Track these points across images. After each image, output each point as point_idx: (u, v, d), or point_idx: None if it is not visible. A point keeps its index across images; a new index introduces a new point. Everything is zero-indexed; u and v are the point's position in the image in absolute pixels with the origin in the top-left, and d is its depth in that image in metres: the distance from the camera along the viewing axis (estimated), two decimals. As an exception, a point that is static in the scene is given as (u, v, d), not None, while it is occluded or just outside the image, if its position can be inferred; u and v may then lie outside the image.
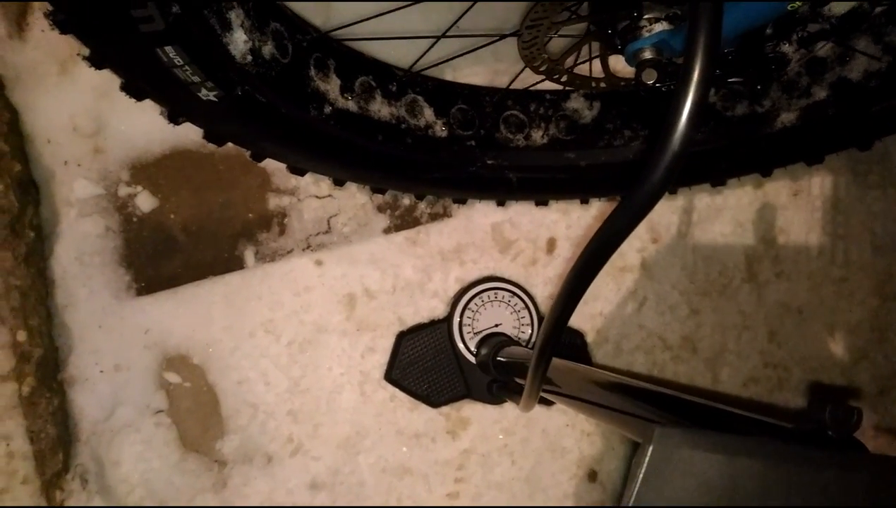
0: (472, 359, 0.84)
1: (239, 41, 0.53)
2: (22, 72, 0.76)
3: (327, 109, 0.64)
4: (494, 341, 0.82)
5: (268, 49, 0.58)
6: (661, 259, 0.91)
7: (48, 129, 0.79)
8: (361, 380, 0.85)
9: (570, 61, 0.62)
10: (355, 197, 0.86)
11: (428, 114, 0.74)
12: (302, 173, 0.74)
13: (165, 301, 0.83)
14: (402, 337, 0.85)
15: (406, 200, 0.87)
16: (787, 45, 0.53)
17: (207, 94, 0.56)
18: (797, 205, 0.94)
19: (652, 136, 0.77)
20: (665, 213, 0.91)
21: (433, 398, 0.85)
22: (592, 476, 0.90)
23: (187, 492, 0.84)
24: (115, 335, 0.82)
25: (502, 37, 0.71)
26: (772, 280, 0.93)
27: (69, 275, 0.80)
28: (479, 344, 0.84)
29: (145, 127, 0.82)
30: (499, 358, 0.78)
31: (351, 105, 0.67)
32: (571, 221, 0.90)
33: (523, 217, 0.89)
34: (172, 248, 0.84)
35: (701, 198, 0.92)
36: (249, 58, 0.55)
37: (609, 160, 0.78)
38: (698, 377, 0.91)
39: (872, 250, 0.95)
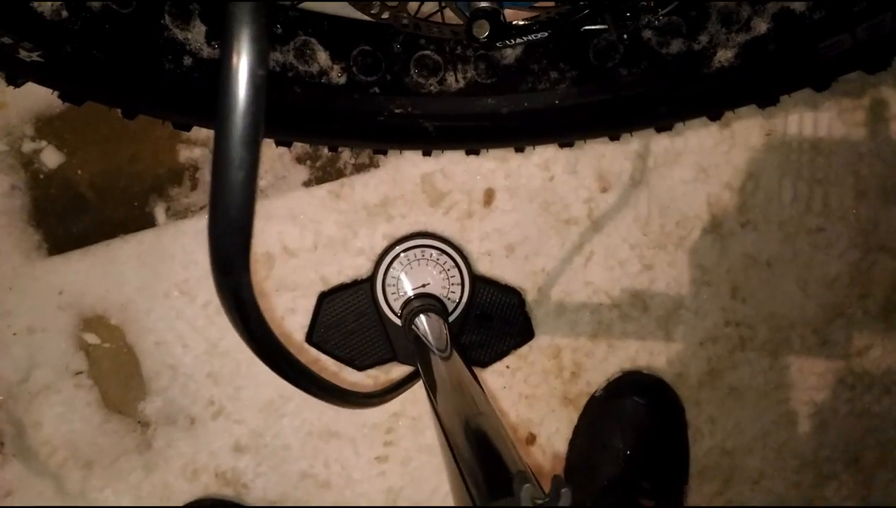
0: (398, 321, 0.79)
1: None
2: None
3: (187, 60, 0.58)
4: (412, 307, 0.76)
5: (97, 3, 0.51)
6: (610, 210, 0.83)
7: (-64, 84, 0.75)
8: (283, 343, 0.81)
9: (413, 7, 0.53)
10: (271, 147, 0.80)
11: (322, 58, 0.66)
12: (186, 128, 0.68)
13: (78, 260, 0.80)
14: (324, 298, 0.80)
15: (327, 151, 0.81)
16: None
17: (29, 56, 0.50)
18: (770, 145, 0.84)
19: (579, 77, 0.68)
20: (616, 159, 0.82)
21: (357, 361, 0.81)
22: (531, 439, 0.85)
23: (111, 453, 0.83)
24: (28, 296, 0.80)
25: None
26: (737, 231, 0.84)
27: (-28, 237, 0.78)
28: (405, 306, 0.79)
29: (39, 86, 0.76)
30: (413, 327, 0.73)
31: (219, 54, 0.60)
32: (511, 169, 0.82)
33: (457, 166, 0.82)
34: (82, 206, 0.80)
35: (658, 141, 0.83)
36: (65, 13, 0.49)
37: (532, 105, 0.70)
38: (649, 336, 0.85)
39: (856, 196, 0.85)
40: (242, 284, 0.26)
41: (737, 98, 0.66)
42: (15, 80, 0.55)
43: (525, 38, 0.42)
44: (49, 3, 0.47)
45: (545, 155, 0.82)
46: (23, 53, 0.50)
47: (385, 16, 0.53)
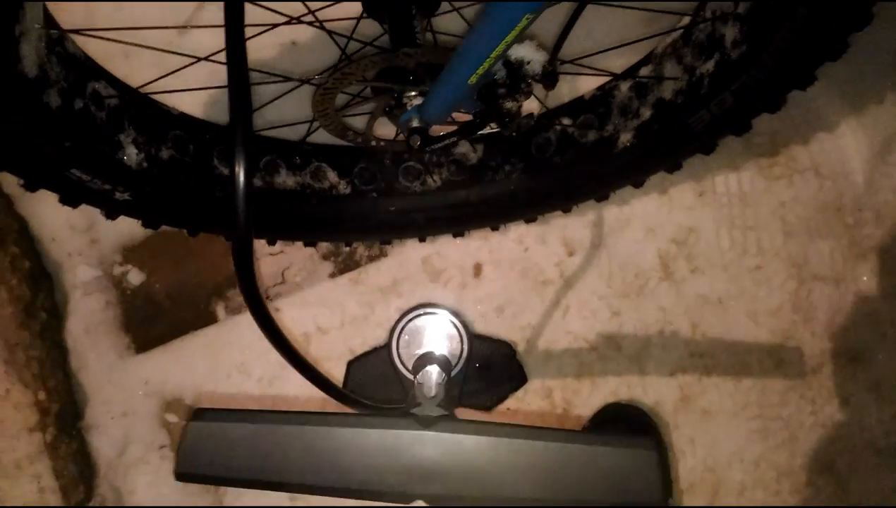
0: (412, 377, 0.97)
1: (132, 155, 0.70)
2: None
3: (227, 190, 0.81)
4: (421, 363, 0.94)
5: (165, 153, 0.75)
6: (578, 269, 1.01)
7: (51, 230, 1.00)
8: (323, 405, 1.00)
9: (349, 119, 0.73)
10: (303, 250, 1.02)
11: (331, 176, 0.89)
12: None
13: (158, 356, 1.02)
14: (351, 365, 0.99)
15: (345, 246, 1.02)
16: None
17: (122, 196, 0.73)
18: (704, 203, 1.02)
19: (526, 167, 0.88)
20: (577, 228, 1.01)
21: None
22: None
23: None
24: (121, 387, 1.01)
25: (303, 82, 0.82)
26: (688, 276, 1.01)
27: (79, 344, 1.00)
28: (416, 364, 0.97)
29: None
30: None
31: (256, 182, 0.83)
32: (492, 246, 1.02)
33: (449, 247, 1.02)
34: (159, 312, 1.02)
35: (609, 211, 1.01)
36: (146, 164, 0.72)
37: (495, 193, 0.90)
38: (625, 371, 1.00)
39: (784, 236, 1.01)
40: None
41: (644, 168, 0.85)
42: (112, 215, 0.78)
43: (443, 143, 0.62)
44: (134, 157, 0.71)
45: (519, 231, 1.01)
46: (117, 195, 0.73)
47: (358, 140, 0.75)
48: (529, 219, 0.96)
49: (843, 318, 1.00)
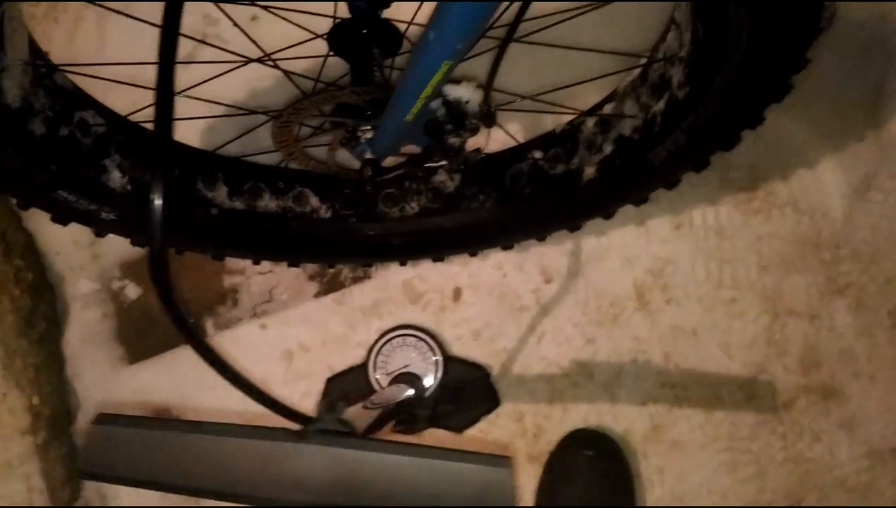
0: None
1: (116, 178, 0.75)
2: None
3: (214, 211, 0.86)
4: (395, 381, 0.98)
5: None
6: (555, 297, 1.04)
7: (56, 245, 1.06)
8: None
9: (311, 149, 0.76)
10: (290, 270, 1.06)
11: (314, 201, 0.93)
12: (220, 259, 0.95)
13: (150, 367, 1.07)
14: (329, 382, 1.03)
15: (331, 268, 1.06)
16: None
17: (108, 215, 0.78)
18: (681, 236, 1.04)
19: (500, 197, 0.92)
20: (555, 256, 1.04)
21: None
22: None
23: (174, 518, 1.05)
24: (113, 395, 1.06)
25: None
26: (663, 306, 1.03)
27: (76, 352, 1.06)
28: (391, 383, 1.00)
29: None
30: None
31: (238, 204, 0.88)
32: (472, 271, 1.05)
33: (430, 271, 1.05)
34: (153, 325, 1.08)
35: (588, 240, 1.04)
36: (129, 187, 0.77)
37: (469, 220, 0.94)
38: (596, 399, 1.02)
39: (759, 270, 1.02)
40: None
41: (609, 200, 0.87)
42: (100, 234, 0.83)
43: (392, 174, 0.66)
44: (119, 181, 0.76)
45: (498, 258, 1.04)
46: (103, 215, 0.78)
47: (320, 169, 0.79)
48: (506, 247, 0.99)
49: (817, 354, 1.01)
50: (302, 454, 0.43)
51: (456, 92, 0.58)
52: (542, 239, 0.98)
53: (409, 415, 1.00)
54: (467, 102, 0.58)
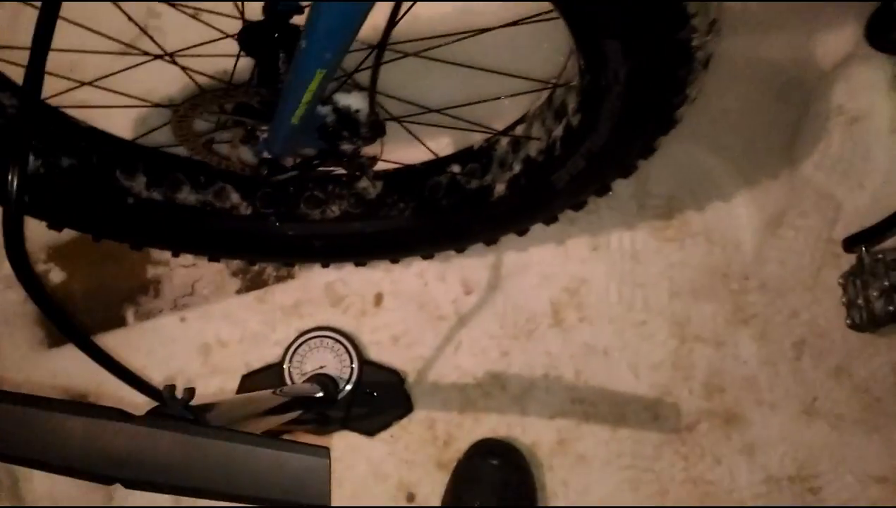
0: (298, 395, 1.02)
1: (29, 161, 0.77)
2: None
3: (131, 200, 0.87)
4: (308, 381, 0.99)
5: (66, 162, 0.81)
6: (474, 308, 1.06)
7: (-19, 224, 1.06)
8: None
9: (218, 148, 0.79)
10: (214, 264, 1.07)
11: (234, 197, 0.95)
12: (139, 248, 0.96)
13: (68, 352, 1.07)
14: (245, 379, 1.04)
15: (254, 266, 1.08)
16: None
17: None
18: (597, 258, 1.07)
19: (419, 206, 0.94)
20: (477, 269, 1.07)
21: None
22: (411, 498, 1.04)
23: (84, 500, 1.05)
24: (31, 378, 1.07)
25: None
26: (576, 324, 1.06)
27: (-5, 333, 1.06)
28: (305, 382, 1.02)
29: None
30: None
31: (156, 195, 0.89)
32: (394, 278, 1.07)
33: (353, 275, 1.07)
34: (74, 311, 1.08)
35: (509, 255, 1.07)
36: (43, 170, 0.78)
37: (388, 227, 0.96)
38: (507, 410, 1.04)
39: (670, 296, 1.05)
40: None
41: (519, 218, 0.90)
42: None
43: (286, 175, 0.68)
44: (31, 163, 0.77)
45: (421, 266, 1.07)
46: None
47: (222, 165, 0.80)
48: (426, 256, 1.02)
49: (721, 380, 1.04)
50: (132, 434, 0.45)
51: (347, 100, 0.60)
52: (460, 250, 1.00)
53: (320, 416, 1.02)
54: (357, 111, 0.60)
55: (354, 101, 0.60)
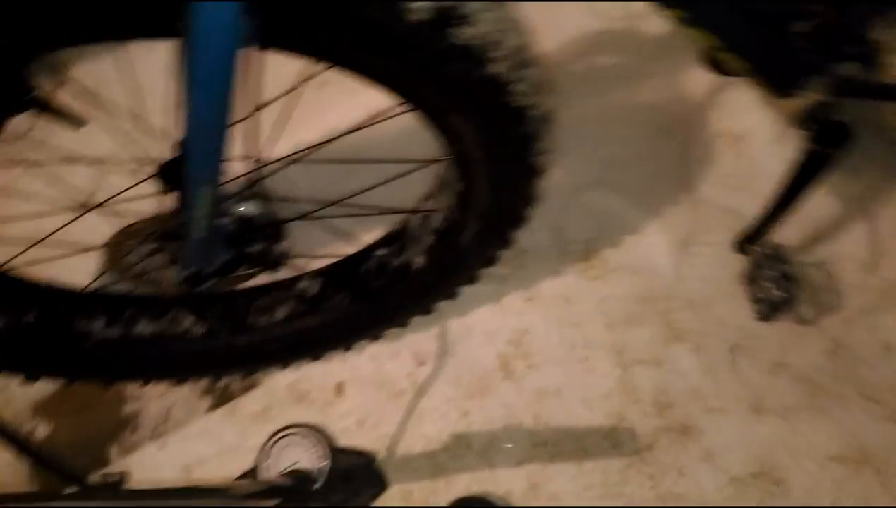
0: (281, 494, 1.07)
1: None
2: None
3: (91, 342, 0.96)
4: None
5: (30, 316, 0.90)
6: (429, 377, 1.13)
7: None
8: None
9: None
10: (183, 389, 1.15)
11: (188, 320, 1.03)
12: (107, 386, 1.04)
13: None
14: (226, 489, 1.09)
15: (221, 381, 1.15)
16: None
17: (-10, 356, 0.88)
18: (533, 307, 1.15)
19: (356, 294, 1.03)
20: (425, 340, 1.15)
21: (257, 532, 1.07)
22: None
23: None
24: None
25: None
26: (526, 372, 1.13)
27: (-13, 495, 1.12)
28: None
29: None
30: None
31: (114, 333, 0.98)
32: (351, 366, 1.15)
33: (312, 371, 1.15)
34: (63, 459, 1.14)
35: (452, 322, 1.15)
36: (7, 328, 0.88)
37: (332, 318, 1.04)
38: (476, 467, 1.09)
39: (605, 328, 1.13)
40: None
41: (444, 283, 0.99)
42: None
43: (208, 283, 0.77)
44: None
45: (373, 350, 1.15)
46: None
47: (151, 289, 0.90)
48: (373, 338, 1.10)
49: (668, 397, 1.11)
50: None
51: (248, 208, 0.70)
52: (403, 325, 1.09)
53: (302, 509, 1.07)
54: (255, 216, 0.70)
55: (251, 209, 0.70)
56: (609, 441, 1.10)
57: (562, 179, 1.20)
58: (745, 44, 0.75)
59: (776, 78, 0.78)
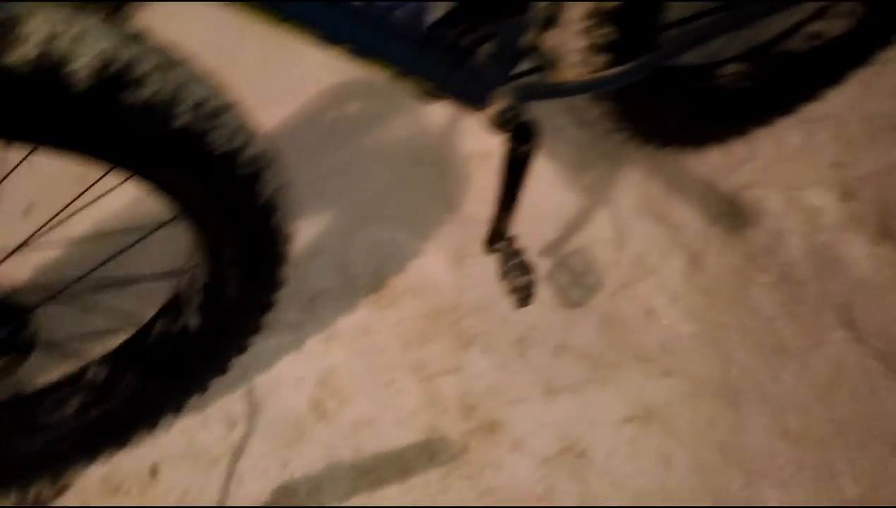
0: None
1: None
2: None
3: None
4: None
5: None
6: (243, 437, 1.15)
7: None
8: None
9: None
10: (-15, 511, 1.09)
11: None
12: None
13: None
14: None
15: (30, 490, 1.11)
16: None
17: None
18: (334, 346, 1.20)
19: (142, 371, 1.04)
20: (234, 402, 1.16)
21: None
22: None
23: None
24: None
25: None
26: (339, 409, 1.17)
27: None
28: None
29: None
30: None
31: None
32: (162, 444, 1.14)
33: (123, 458, 1.13)
34: None
35: (258, 376, 1.18)
36: None
37: (127, 399, 1.04)
38: (304, 512, 1.12)
39: (403, 349, 1.20)
40: None
41: (229, 336, 1.03)
42: None
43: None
44: None
45: (181, 423, 1.14)
46: None
47: None
48: (176, 411, 1.10)
49: (471, 399, 1.19)
50: None
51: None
52: (204, 390, 1.10)
53: None
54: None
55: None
56: (426, 455, 1.16)
57: (336, 221, 1.27)
58: (430, 72, 0.87)
59: (465, 95, 0.91)
